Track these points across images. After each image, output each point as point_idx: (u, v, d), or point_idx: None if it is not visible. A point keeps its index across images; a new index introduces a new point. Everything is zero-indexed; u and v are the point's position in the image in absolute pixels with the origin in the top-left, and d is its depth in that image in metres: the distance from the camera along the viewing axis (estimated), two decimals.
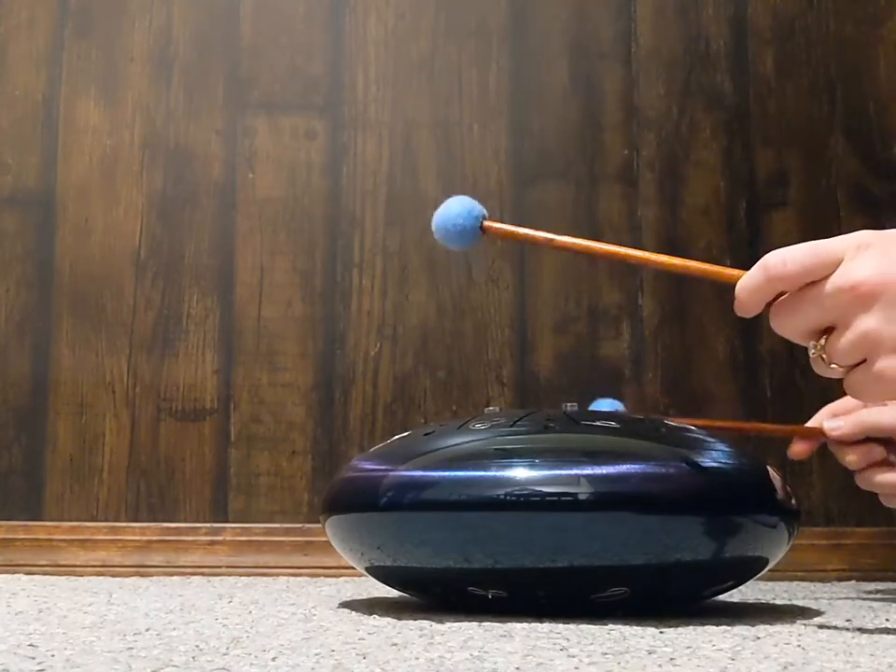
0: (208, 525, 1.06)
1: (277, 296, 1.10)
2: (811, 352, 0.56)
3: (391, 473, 0.64)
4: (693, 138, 1.14)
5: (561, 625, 0.58)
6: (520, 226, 0.68)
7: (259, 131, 1.13)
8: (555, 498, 0.59)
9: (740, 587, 0.69)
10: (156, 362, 1.09)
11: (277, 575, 1.01)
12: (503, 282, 1.11)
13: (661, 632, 0.56)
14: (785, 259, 0.55)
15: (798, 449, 0.78)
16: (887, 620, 0.66)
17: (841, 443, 0.76)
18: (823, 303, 0.54)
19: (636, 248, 1.11)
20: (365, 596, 0.79)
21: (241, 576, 1.00)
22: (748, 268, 0.58)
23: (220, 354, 1.09)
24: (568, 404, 0.68)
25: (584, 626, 0.58)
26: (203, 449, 1.08)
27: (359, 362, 1.10)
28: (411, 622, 0.60)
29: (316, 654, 0.48)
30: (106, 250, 1.10)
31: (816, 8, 1.16)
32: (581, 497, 0.59)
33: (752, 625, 0.59)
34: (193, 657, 0.47)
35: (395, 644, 0.51)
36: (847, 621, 0.64)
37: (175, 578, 0.99)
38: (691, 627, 0.58)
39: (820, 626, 0.61)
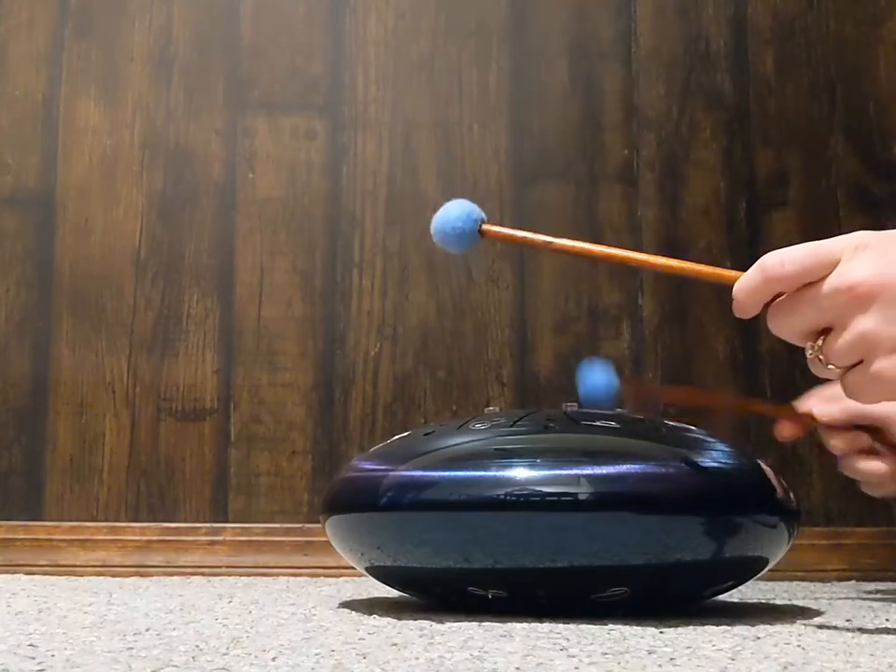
0: (208, 524, 1.06)
1: (277, 296, 1.10)
2: (808, 353, 0.56)
3: (391, 473, 0.64)
4: (693, 138, 1.14)
5: (561, 625, 0.58)
6: (520, 226, 0.68)
7: (258, 131, 1.13)
8: (555, 498, 0.59)
9: (740, 587, 0.69)
10: (156, 362, 1.09)
11: (277, 575, 1.01)
12: (503, 282, 1.11)
13: (661, 632, 0.56)
14: (783, 261, 0.55)
15: (785, 431, 0.78)
16: (887, 620, 0.66)
17: (828, 428, 0.76)
18: (820, 304, 0.54)
19: (636, 248, 1.11)
20: (365, 596, 0.79)
21: (241, 576, 1.00)
22: (747, 268, 0.58)
23: (220, 354, 1.09)
24: (568, 404, 0.68)
25: (584, 626, 0.58)
26: (203, 449, 1.08)
27: (359, 362, 1.10)
28: (411, 622, 0.60)
29: (316, 654, 0.48)
30: (106, 250, 1.10)
31: (816, 8, 1.16)
32: (581, 497, 0.59)
33: (752, 625, 0.59)
34: (193, 657, 0.47)
35: (395, 644, 0.51)
36: (847, 621, 0.64)
37: (175, 578, 0.99)
38: (691, 627, 0.58)
39: (820, 626, 0.61)
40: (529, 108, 1.14)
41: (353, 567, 0.70)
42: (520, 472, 0.60)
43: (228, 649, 0.50)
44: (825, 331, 0.55)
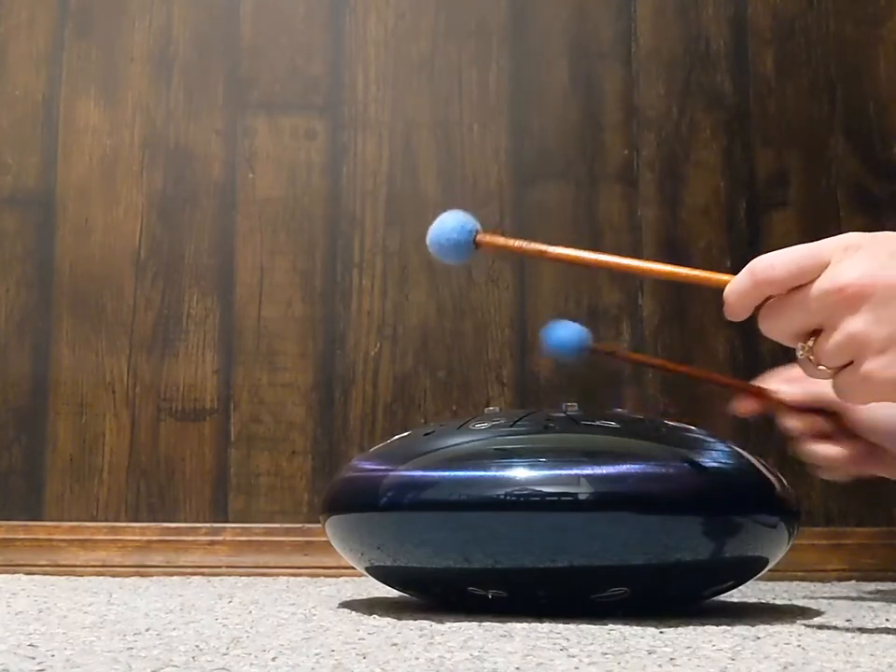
0: (208, 525, 1.06)
1: (277, 296, 1.10)
2: (799, 353, 0.56)
3: (391, 473, 0.64)
4: (693, 138, 1.14)
5: (561, 625, 0.58)
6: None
7: (259, 131, 1.13)
8: (555, 498, 0.59)
9: (740, 587, 0.69)
10: (156, 362, 1.09)
11: (277, 575, 1.01)
12: (503, 282, 1.11)
13: (661, 632, 0.56)
14: (772, 264, 0.55)
15: (744, 407, 0.78)
16: (887, 620, 0.66)
17: (788, 409, 0.76)
18: (811, 306, 0.54)
19: (636, 248, 1.12)
20: (365, 596, 0.79)
21: (241, 576, 1.00)
22: None
23: (220, 354, 1.09)
24: (568, 404, 0.68)
25: (584, 626, 0.58)
26: (203, 449, 1.08)
27: (359, 362, 1.10)
28: (411, 622, 0.60)
29: (316, 654, 0.48)
30: (106, 250, 1.10)
31: (816, 8, 1.16)
32: (581, 497, 0.59)
33: (752, 625, 0.59)
34: (193, 657, 0.47)
35: (395, 644, 0.51)
36: (847, 621, 0.64)
37: (175, 578, 0.99)
38: (691, 627, 0.58)
39: (820, 626, 0.61)
40: (529, 108, 1.14)
41: (353, 567, 0.70)
42: (520, 472, 0.60)
43: (228, 649, 0.50)
44: (816, 332, 0.55)
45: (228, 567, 1.03)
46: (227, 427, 1.08)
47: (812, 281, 0.54)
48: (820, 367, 0.55)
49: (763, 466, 0.66)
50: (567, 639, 0.53)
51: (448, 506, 0.61)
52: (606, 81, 1.15)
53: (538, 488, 0.60)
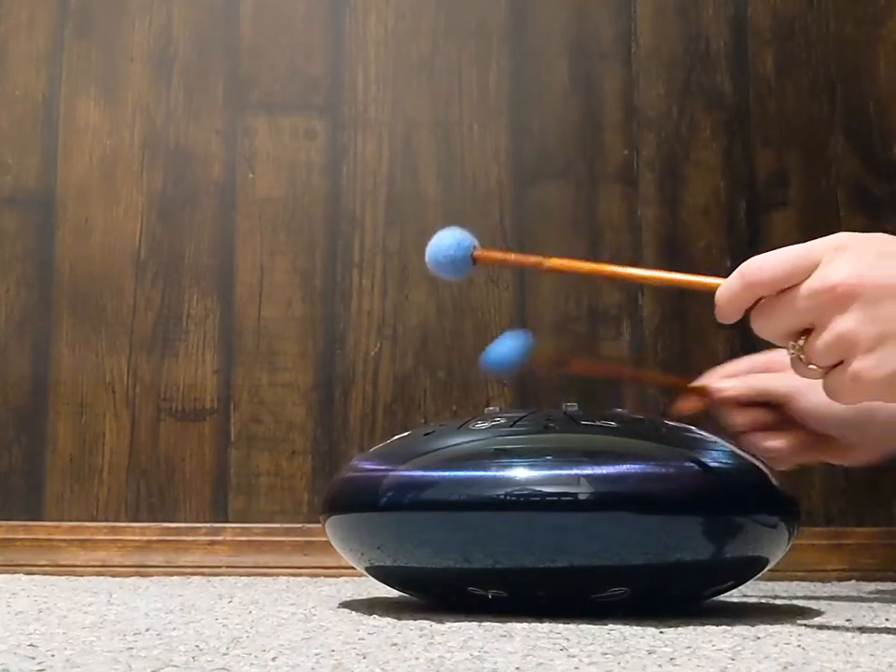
0: (208, 525, 1.06)
1: (277, 296, 1.10)
2: (789, 352, 0.57)
3: (391, 473, 0.64)
4: (693, 138, 1.14)
5: (561, 625, 0.58)
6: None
7: (259, 131, 1.13)
8: (555, 498, 0.59)
9: (740, 587, 0.69)
10: (156, 362, 1.09)
11: (277, 575, 1.01)
12: (503, 282, 1.11)
13: (661, 632, 0.56)
14: (762, 266, 0.56)
15: (684, 405, 0.79)
16: (887, 620, 0.66)
17: (730, 405, 0.77)
18: (801, 305, 0.55)
19: (636, 248, 1.12)
20: (365, 596, 0.79)
21: (241, 576, 1.00)
22: None
23: (220, 354, 1.09)
24: (568, 404, 0.68)
25: (584, 626, 0.58)
26: (203, 449, 1.08)
27: (359, 362, 1.10)
28: (411, 622, 0.60)
29: (316, 654, 0.48)
30: (106, 250, 1.10)
31: (816, 8, 1.16)
32: (581, 497, 0.59)
33: (752, 625, 0.59)
34: (193, 657, 0.47)
35: (395, 644, 0.51)
36: (847, 621, 0.64)
37: (175, 578, 0.99)
38: (691, 627, 0.58)
39: (820, 626, 0.61)
40: (529, 108, 1.14)
41: (353, 567, 0.70)
42: (520, 472, 0.60)
43: (228, 649, 0.50)
44: (807, 332, 0.55)
45: (228, 566, 1.03)
46: (227, 427, 1.08)
47: (803, 281, 0.55)
48: (811, 366, 0.56)
49: (763, 466, 0.66)
50: (567, 639, 0.53)
51: (448, 506, 0.61)
52: (606, 81, 1.15)
53: (538, 488, 0.60)
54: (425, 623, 0.59)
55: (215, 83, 1.13)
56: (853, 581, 1.02)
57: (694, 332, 1.11)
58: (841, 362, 0.55)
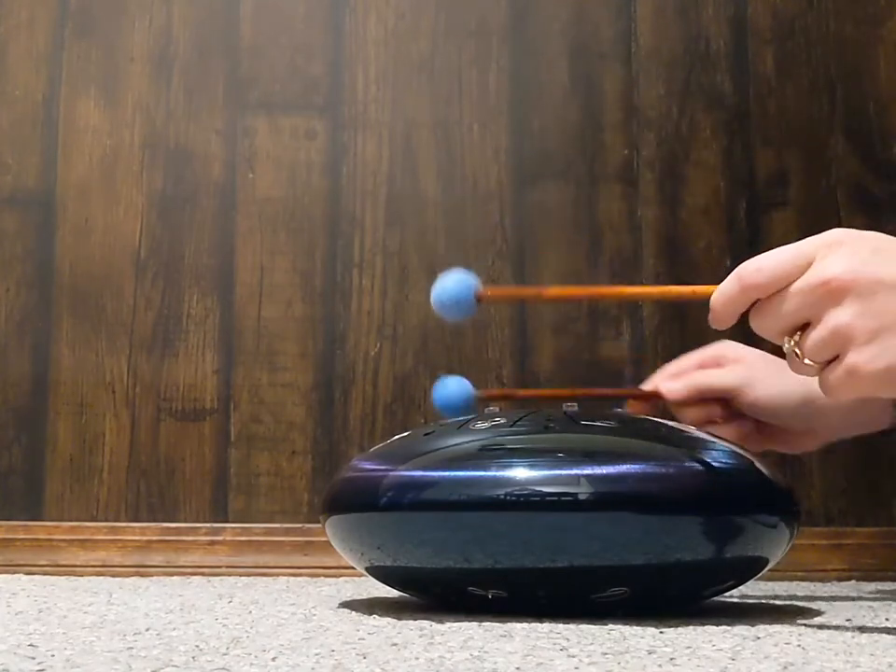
0: (208, 525, 1.06)
1: (277, 296, 1.10)
2: (785, 347, 0.57)
3: (391, 473, 0.64)
4: (693, 138, 1.14)
5: (561, 625, 0.58)
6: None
7: (259, 131, 1.13)
8: (555, 498, 0.59)
9: (740, 587, 0.69)
10: (156, 362, 1.09)
11: (277, 575, 1.01)
12: (503, 282, 1.11)
13: (661, 632, 0.56)
14: (759, 267, 0.56)
15: (633, 409, 0.81)
16: (887, 620, 0.66)
17: (678, 404, 0.78)
18: (796, 301, 0.55)
19: (635, 248, 1.12)
20: (365, 596, 0.79)
21: (241, 576, 1.00)
22: None
23: (220, 354, 1.09)
24: (568, 404, 0.68)
25: (584, 626, 0.58)
26: (203, 449, 1.08)
27: (359, 362, 1.10)
28: (411, 622, 0.60)
29: (316, 654, 0.48)
30: (106, 250, 1.10)
31: (816, 8, 1.16)
32: (581, 497, 0.59)
33: (752, 625, 0.59)
34: (193, 657, 0.47)
35: (395, 644, 0.51)
36: (847, 621, 0.64)
37: (175, 578, 0.99)
38: (691, 627, 0.58)
39: (820, 626, 0.61)
40: (529, 108, 1.14)
41: (353, 567, 0.70)
42: (520, 472, 0.60)
43: (228, 649, 0.50)
44: (804, 329, 0.56)
45: (228, 566, 1.03)
46: (227, 426, 1.08)
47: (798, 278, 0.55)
48: (806, 361, 0.56)
49: (763, 466, 0.66)
50: (567, 639, 0.53)
51: (448, 506, 0.61)
52: (606, 81, 1.15)
53: (538, 488, 0.60)
54: (425, 623, 0.59)
55: (215, 83, 1.13)
56: (853, 581, 1.02)
57: (694, 332, 1.11)
58: (837, 357, 0.55)
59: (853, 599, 0.82)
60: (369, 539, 0.65)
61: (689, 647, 0.51)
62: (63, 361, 1.08)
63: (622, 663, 0.46)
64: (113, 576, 1.00)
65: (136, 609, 0.68)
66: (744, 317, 0.59)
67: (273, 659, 0.47)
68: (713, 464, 0.62)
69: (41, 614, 0.65)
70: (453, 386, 0.72)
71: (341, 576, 0.99)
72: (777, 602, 0.79)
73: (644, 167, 1.14)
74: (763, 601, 0.80)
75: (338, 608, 0.70)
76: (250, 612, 0.67)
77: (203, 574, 1.01)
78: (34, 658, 0.46)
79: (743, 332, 0.63)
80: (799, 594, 0.87)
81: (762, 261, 0.56)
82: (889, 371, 0.53)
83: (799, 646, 0.52)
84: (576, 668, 0.45)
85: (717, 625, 0.59)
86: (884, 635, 0.57)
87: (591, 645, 0.51)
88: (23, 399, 1.08)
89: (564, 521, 0.60)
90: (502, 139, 1.13)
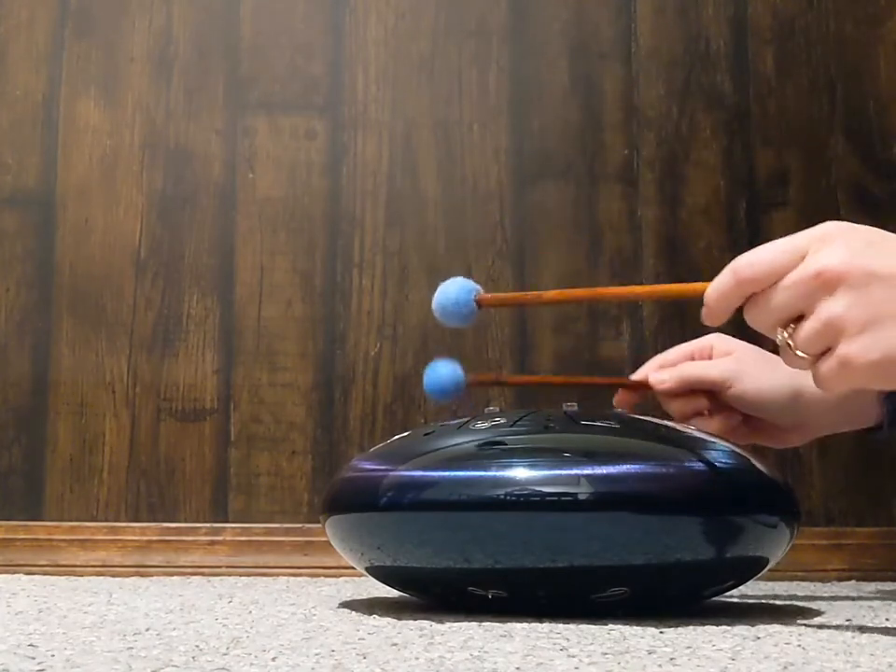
0: (208, 525, 1.06)
1: (277, 296, 1.10)
2: (778, 339, 0.57)
3: (391, 473, 0.64)
4: (693, 138, 1.14)
5: (561, 625, 0.58)
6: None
7: (259, 131, 1.13)
8: (555, 498, 0.59)
9: (740, 587, 0.69)
10: (156, 362, 1.09)
11: (277, 575, 1.01)
12: (503, 281, 1.11)
13: (661, 632, 0.56)
14: (753, 261, 0.57)
15: (622, 399, 0.80)
16: (887, 620, 0.66)
17: (666, 395, 0.78)
18: (790, 293, 0.55)
19: (635, 248, 1.12)
20: (365, 596, 0.79)
21: (241, 576, 1.00)
22: None
23: (220, 354, 1.09)
24: (568, 404, 0.68)
25: (584, 626, 0.58)
26: (203, 449, 1.08)
27: (359, 362, 1.10)
28: (411, 622, 0.60)
29: (316, 654, 0.48)
30: (106, 250, 1.10)
31: (816, 8, 1.16)
32: (581, 497, 0.59)
33: (752, 625, 0.59)
34: (193, 657, 0.47)
35: (395, 644, 0.51)
36: (847, 621, 0.64)
37: (175, 578, 0.99)
38: (691, 627, 0.58)
39: (820, 626, 0.61)
40: (529, 108, 1.14)
41: (353, 567, 0.70)
42: (520, 472, 0.60)
43: (228, 649, 0.50)
44: (798, 321, 0.56)
45: (228, 566, 1.03)
46: (227, 426, 1.08)
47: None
48: (798, 353, 0.56)
49: (763, 466, 0.66)
50: (567, 639, 0.53)
51: (448, 506, 0.61)
52: (606, 81, 1.15)
53: (538, 488, 0.60)
54: (425, 623, 0.59)
55: (215, 83, 1.13)
56: (853, 581, 1.02)
57: (695, 332, 1.10)
58: (829, 350, 0.55)
59: (853, 599, 0.82)
60: (369, 539, 0.65)
61: (689, 647, 0.51)
62: (63, 361, 1.08)
63: (622, 663, 0.46)
64: (113, 576, 1.00)
65: (136, 609, 0.68)
66: (738, 312, 0.59)
67: (273, 659, 0.47)
68: (713, 464, 0.62)
69: (41, 614, 0.65)
70: (443, 370, 0.72)
71: (341, 576, 0.99)
72: (777, 602, 0.79)
73: (644, 167, 1.14)
74: (763, 601, 0.80)
75: (338, 608, 0.70)
76: (250, 612, 0.67)
77: (203, 574, 1.01)
78: (34, 658, 0.46)
79: (736, 327, 0.63)
80: (799, 594, 0.87)
81: (756, 255, 0.57)
82: (882, 363, 0.53)
83: (799, 646, 0.52)
84: (576, 668, 0.45)
85: (717, 625, 0.59)
86: (884, 635, 0.57)
87: (591, 645, 0.51)
88: (23, 399, 1.08)
89: (564, 521, 0.60)
90: (502, 139, 1.13)
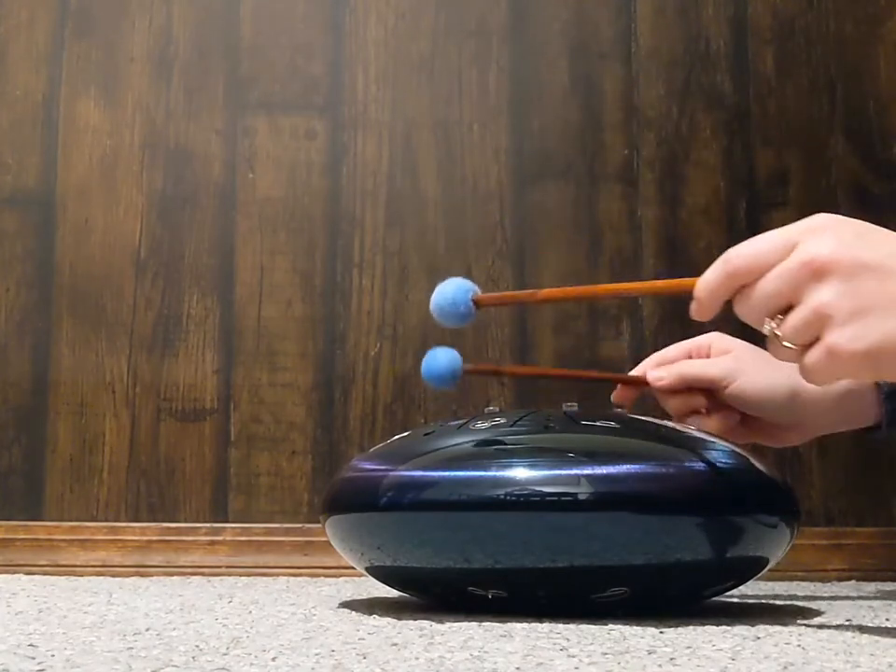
0: (208, 525, 1.06)
1: (277, 296, 1.10)
2: (765, 329, 0.57)
3: (391, 473, 0.64)
4: (693, 138, 1.14)
5: (561, 625, 0.58)
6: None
7: (259, 131, 1.13)
8: (555, 498, 0.59)
9: (740, 587, 0.69)
10: (156, 362, 1.09)
11: (277, 575, 1.01)
12: (503, 281, 1.11)
13: (661, 632, 0.56)
14: (742, 252, 0.57)
15: (620, 395, 0.80)
16: (887, 620, 0.66)
17: (663, 392, 0.78)
18: (778, 282, 0.55)
19: (636, 248, 1.12)
20: (365, 596, 0.79)
21: (241, 576, 1.00)
22: None
23: (220, 354, 1.09)
24: (568, 404, 0.68)
25: (584, 626, 0.58)
26: (203, 449, 1.08)
27: (359, 362, 1.10)
28: (411, 622, 0.60)
29: (316, 654, 0.48)
30: (106, 250, 1.10)
31: (816, 8, 1.16)
32: (581, 497, 0.59)
33: (752, 625, 0.59)
34: (193, 657, 0.47)
35: (395, 644, 0.51)
36: (847, 621, 0.64)
37: (175, 578, 0.99)
38: (691, 627, 0.58)
39: (820, 626, 0.61)
40: (529, 108, 1.14)
41: (353, 567, 0.70)
42: (520, 472, 0.60)
43: (228, 649, 0.50)
44: (786, 312, 0.56)
45: (228, 567, 1.03)
46: (227, 426, 1.08)
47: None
48: (785, 344, 0.56)
49: (763, 466, 0.66)
50: (567, 639, 0.53)
51: (448, 506, 0.61)
52: (606, 81, 1.15)
53: (538, 488, 0.60)
54: (425, 623, 0.59)
55: (215, 83, 1.13)
56: (853, 581, 1.02)
57: (694, 332, 1.10)
58: (817, 340, 0.54)
59: (853, 599, 0.82)
60: (369, 539, 0.65)
61: (689, 647, 0.51)
62: (63, 361, 1.08)
63: (622, 663, 0.46)
64: (113, 576, 1.00)
65: (136, 609, 0.68)
66: (729, 309, 0.59)
67: (273, 659, 0.47)
68: (713, 464, 0.62)
69: (41, 614, 0.65)
70: (442, 358, 0.72)
71: (341, 576, 0.99)
72: (777, 602, 0.79)
73: (644, 167, 1.14)
74: (763, 601, 0.80)
75: (338, 608, 0.70)
76: (250, 612, 0.67)
77: (203, 574, 1.01)
78: (34, 658, 0.46)
79: (736, 327, 0.63)
80: (799, 594, 0.87)
81: (745, 246, 0.57)
82: (869, 353, 0.53)
83: (799, 646, 0.52)
84: (576, 668, 0.45)
85: (717, 625, 0.59)
86: (884, 635, 0.57)
87: (591, 645, 0.51)
88: (23, 399, 1.08)
89: (564, 521, 0.60)
90: (502, 139, 1.13)
